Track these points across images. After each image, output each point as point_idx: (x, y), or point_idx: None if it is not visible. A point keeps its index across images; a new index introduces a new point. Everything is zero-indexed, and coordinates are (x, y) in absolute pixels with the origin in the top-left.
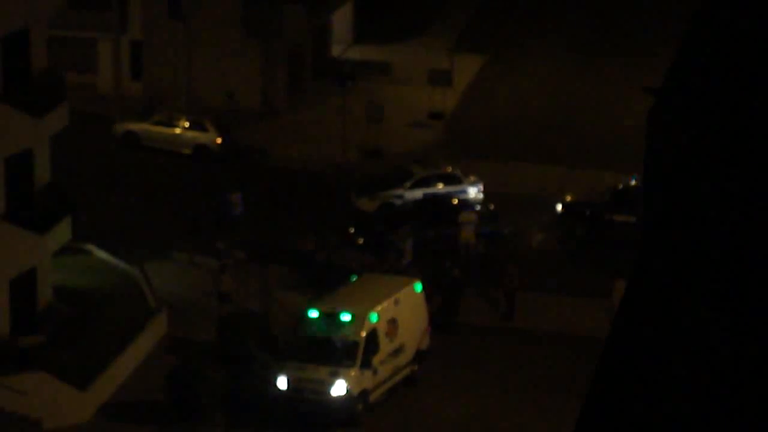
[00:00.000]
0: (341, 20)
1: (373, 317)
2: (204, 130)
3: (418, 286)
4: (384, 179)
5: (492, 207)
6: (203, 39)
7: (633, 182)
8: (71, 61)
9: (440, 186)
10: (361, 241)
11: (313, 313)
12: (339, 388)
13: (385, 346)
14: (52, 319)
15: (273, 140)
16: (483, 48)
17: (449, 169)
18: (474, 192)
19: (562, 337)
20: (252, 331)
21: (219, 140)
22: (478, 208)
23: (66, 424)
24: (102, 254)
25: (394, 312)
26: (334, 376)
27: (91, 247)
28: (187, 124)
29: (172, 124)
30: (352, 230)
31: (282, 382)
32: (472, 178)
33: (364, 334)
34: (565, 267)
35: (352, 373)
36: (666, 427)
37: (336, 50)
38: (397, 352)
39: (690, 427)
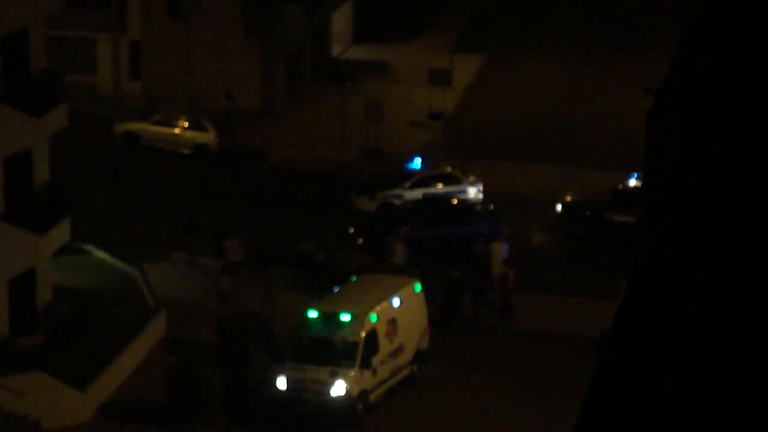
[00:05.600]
0: (341, 20)
1: (373, 317)
2: (203, 130)
3: (418, 286)
4: (384, 179)
5: (492, 207)
6: (203, 39)
7: (633, 182)
8: (71, 61)
9: (440, 186)
10: (361, 241)
11: (313, 313)
12: (339, 389)
13: (385, 346)
14: (51, 319)
15: (273, 140)
16: (483, 48)
17: (449, 169)
18: (474, 192)
19: (562, 337)
20: (252, 331)
21: (218, 140)
22: (478, 208)
23: (65, 424)
24: (101, 254)
25: (394, 312)
26: (334, 376)
27: (91, 247)
28: (186, 124)
29: (172, 124)
30: (352, 230)
31: (282, 382)
32: (471, 178)
33: (363, 334)
34: (565, 267)
35: (352, 374)
36: (666, 427)
37: (336, 50)
38: (397, 352)
39: (690, 426)
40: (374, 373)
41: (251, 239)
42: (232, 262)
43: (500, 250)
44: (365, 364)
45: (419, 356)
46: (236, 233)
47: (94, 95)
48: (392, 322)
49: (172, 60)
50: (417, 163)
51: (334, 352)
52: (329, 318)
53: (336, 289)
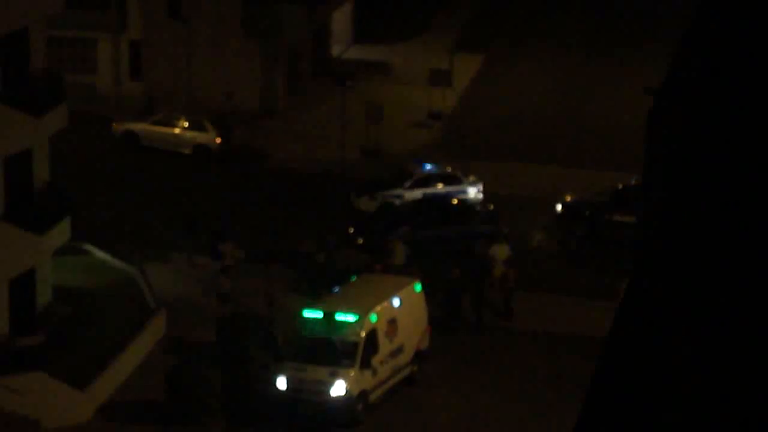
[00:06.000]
0: (341, 20)
1: (373, 317)
2: (203, 130)
3: (418, 286)
4: (384, 179)
5: (492, 207)
6: (203, 39)
7: (633, 182)
8: (71, 61)
9: (440, 186)
10: (361, 241)
11: (313, 314)
12: (338, 389)
13: (385, 346)
14: (51, 319)
15: (273, 140)
16: (483, 48)
17: (449, 169)
18: (474, 192)
19: (562, 337)
20: (252, 331)
21: (218, 140)
22: (478, 208)
23: (65, 424)
24: (102, 254)
25: (394, 312)
26: (334, 376)
27: (91, 247)
28: (186, 124)
29: (172, 124)
30: (352, 230)
31: (282, 382)
32: (471, 178)
33: (363, 334)
34: (565, 267)
35: (352, 374)
36: (666, 428)
37: (336, 50)
38: (397, 352)
39: (690, 427)
40: (374, 373)
41: (249, 240)
42: (226, 266)
43: (503, 252)
44: (365, 364)
45: (419, 356)
46: (231, 235)
47: (94, 95)
48: (392, 322)
49: (172, 60)
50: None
51: (334, 352)
52: (329, 318)
53: (336, 289)
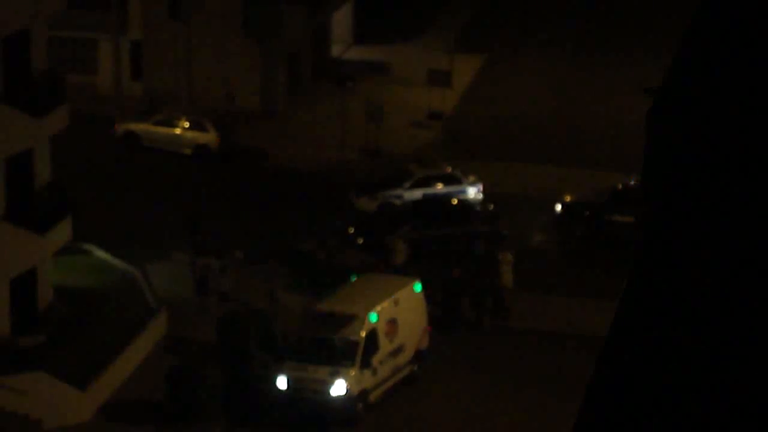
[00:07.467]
0: (341, 20)
1: (373, 317)
2: (204, 130)
3: (418, 286)
4: (384, 179)
5: (492, 207)
6: (203, 39)
7: (633, 182)
8: (71, 61)
9: (440, 186)
10: (361, 241)
11: (314, 313)
12: (339, 388)
13: (385, 346)
14: (52, 319)
15: (273, 140)
16: (483, 48)
17: (449, 169)
18: (473, 192)
19: (562, 337)
20: (252, 331)
21: (219, 140)
22: (478, 208)
23: (66, 424)
24: (102, 254)
25: (394, 312)
26: (334, 376)
27: (91, 247)
28: (187, 125)
29: (173, 125)
30: (352, 230)
31: (282, 382)
32: (471, 178)
33: (363, 334)
34: (564, 267)
35: (352, 373)
36: (666, 428)
37: (336, 50)
38: (397, 352)
39: (690, 427)
40: (374, 372)
41: (248, 240)
42: (203, 276)
43: (511, 259)
44: (365, 364)
45: (419, 356)
46: (211, 247)
47: (95, 96)
48: (392, 322)
49: (173, 60)
50: None
51: (334, 351)
52: (329, 318)
53: (336, 289)
